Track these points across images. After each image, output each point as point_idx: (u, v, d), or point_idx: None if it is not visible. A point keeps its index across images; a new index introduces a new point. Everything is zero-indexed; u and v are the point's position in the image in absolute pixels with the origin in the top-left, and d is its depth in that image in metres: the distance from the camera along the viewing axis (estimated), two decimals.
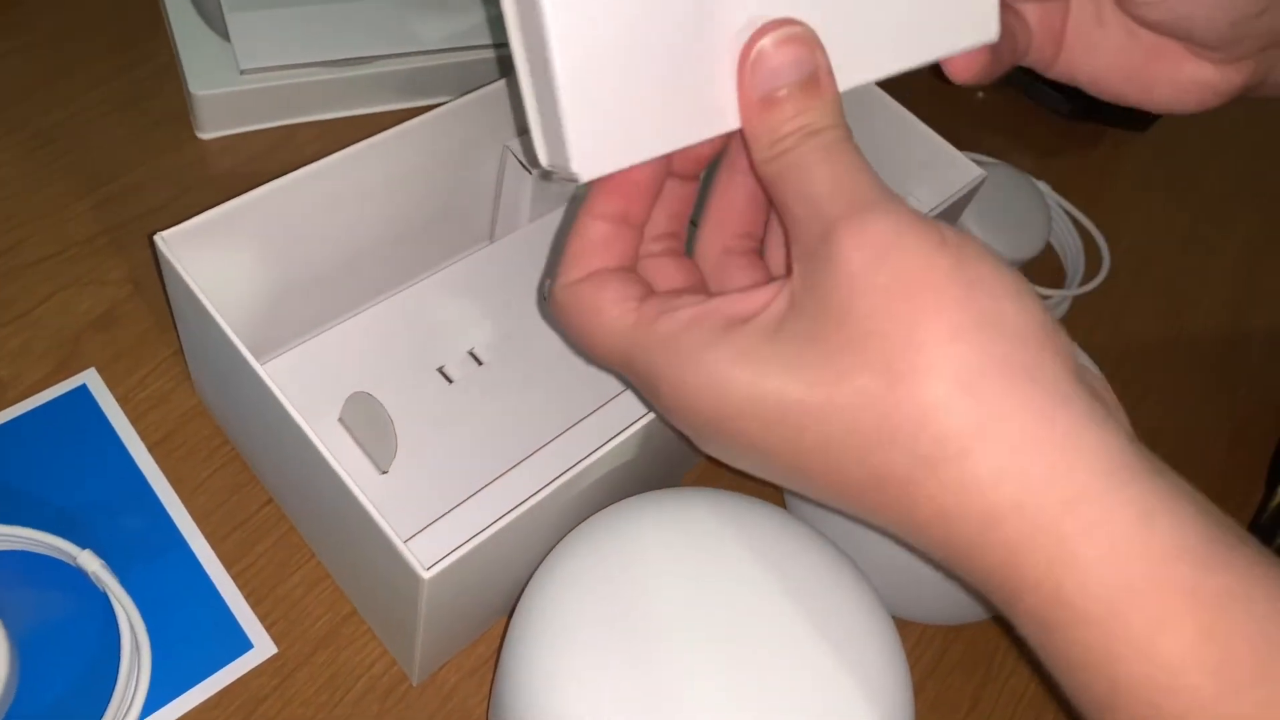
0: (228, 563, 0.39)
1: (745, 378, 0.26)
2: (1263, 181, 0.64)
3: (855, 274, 0.24)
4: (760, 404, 0.26)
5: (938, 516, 0.24)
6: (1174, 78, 0.34)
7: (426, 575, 0.30)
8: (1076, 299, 0.54)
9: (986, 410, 0.23)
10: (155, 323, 0.45)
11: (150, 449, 0.41)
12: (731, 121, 0.28)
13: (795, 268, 0.26)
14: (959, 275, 0.24)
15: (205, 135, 0.51)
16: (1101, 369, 0.43)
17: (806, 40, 0.27)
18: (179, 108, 0.51)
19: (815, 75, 0.27)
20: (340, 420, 0.40)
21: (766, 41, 0.27)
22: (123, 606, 0.37)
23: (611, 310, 0.29)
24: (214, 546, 0.40)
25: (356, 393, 0.39)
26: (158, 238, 0.35)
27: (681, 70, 0.27)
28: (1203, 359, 0.55)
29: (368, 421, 0.39)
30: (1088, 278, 0.54)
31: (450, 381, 0.42)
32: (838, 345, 0.24)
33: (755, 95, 0.27)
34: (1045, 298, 0.53)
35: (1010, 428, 0.23)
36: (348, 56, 0.51)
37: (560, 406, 0.42)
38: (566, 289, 0.30)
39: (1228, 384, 0.54)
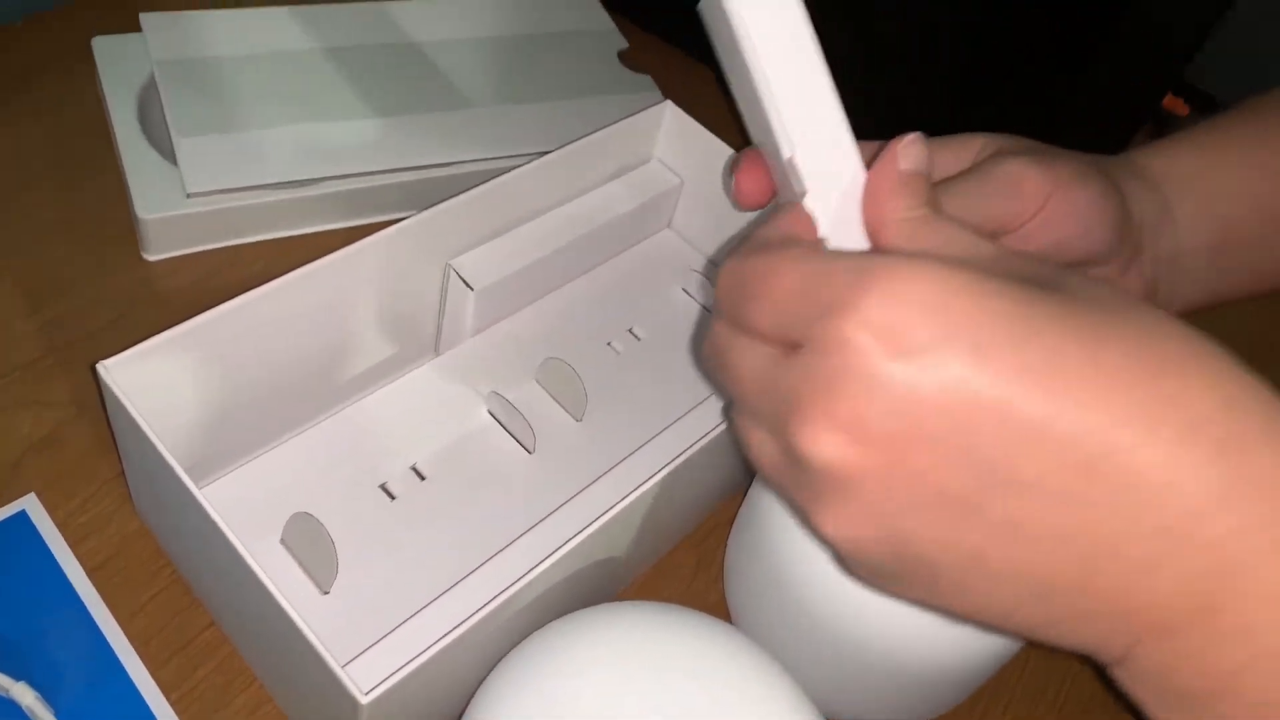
0: (167, 689, 0.39)
1: None
2: None
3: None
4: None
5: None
6: None
7: (365, 700, 0.30)
8: None
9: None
10: (97, 444, 0.45)
11: (90, 574, 0.41)
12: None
13: None
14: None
15: (152, 256, 0.52)
16: None
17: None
18: (126, 229, 0.52)
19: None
20: (282, 542, 0.40)
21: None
22: None
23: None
24: (153, 673, 0.39)
25: (298, 514, 0.39)
26: (99, 366, 0.35)
27: None
28: None
29: (309, 542, 0.39)
30: None
31: (393, 498, 0.43)
32: None
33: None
34: None
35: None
36: (292, 179, 0.52)
37: (502, 520, 0.43)
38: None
39: None
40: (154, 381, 0.37)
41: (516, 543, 0.42)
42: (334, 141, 0.53)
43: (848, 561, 0.28)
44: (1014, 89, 0.60)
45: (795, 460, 0.26)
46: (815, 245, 0.29)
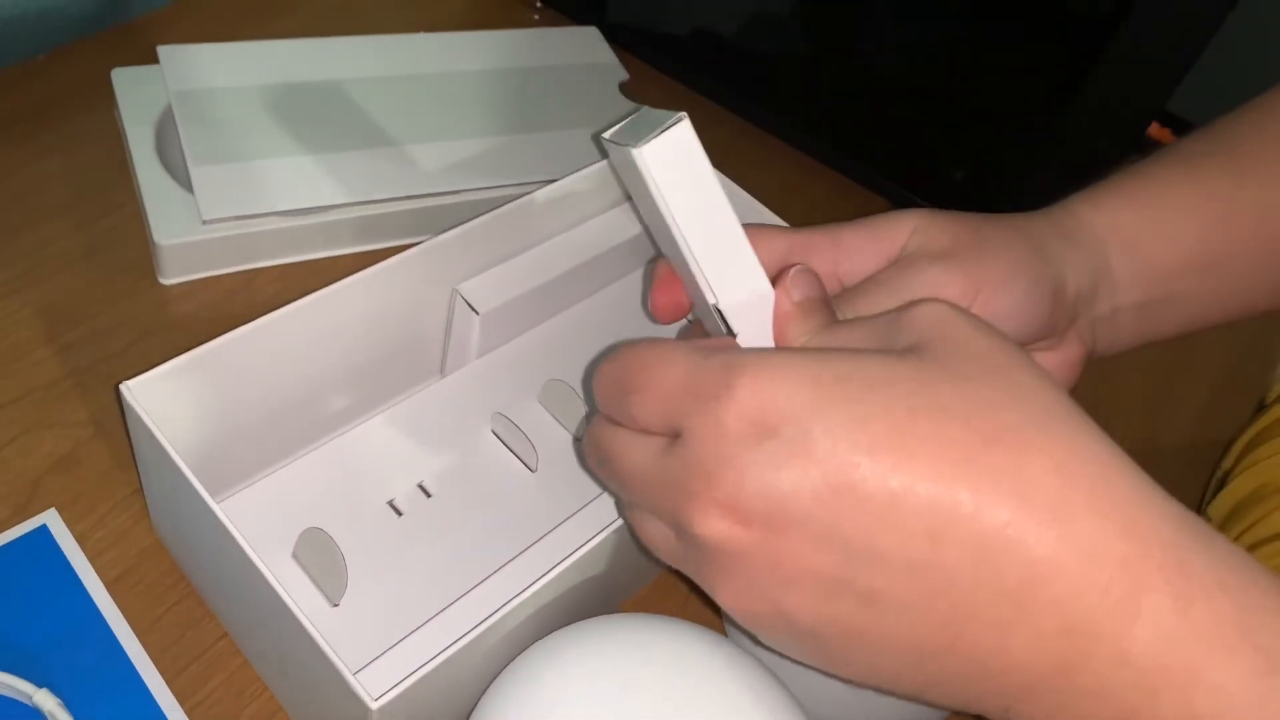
0: (182, 698, 0.40)
1: None
2: None
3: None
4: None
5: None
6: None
7: (375, 705, 0.31)
8: None
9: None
10: (115, 462, 0.46)
11: (108, 586, 0.43)
12: None
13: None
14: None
15: (168, 281, 0.53)
16: None
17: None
18: (143, 255, 0.54)
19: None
20: (294, 556, 0.42)
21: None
22: None
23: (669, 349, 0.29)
24: (169, 682, 0.41)
25: (309, 529, 0.41)
26: (123, 386, 0.37)
27: None
28: None
29: (320, 557, 0.40)
30: None
31: (400, 514, 0.44)
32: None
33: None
34: None
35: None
36: (305, 206, 0.53)
37: (505, 536, 0.44)
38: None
39: None
40: (173, 401, 0.38)
41: (519, 558, 0.43)
42: (345, 170, 0.55)
43: (750, 628, 0.30)
44: (1001, 118, 0.62)
45: (689, 542, 0.29)
46: (686, 343, 0.30)
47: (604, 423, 0.32)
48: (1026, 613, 0.25)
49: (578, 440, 0.48)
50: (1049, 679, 0.25)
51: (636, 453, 0.30)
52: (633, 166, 0.32)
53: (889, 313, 0.30)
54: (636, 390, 0.29)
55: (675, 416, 0.28)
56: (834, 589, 0.26)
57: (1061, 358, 0.39)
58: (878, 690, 0.30)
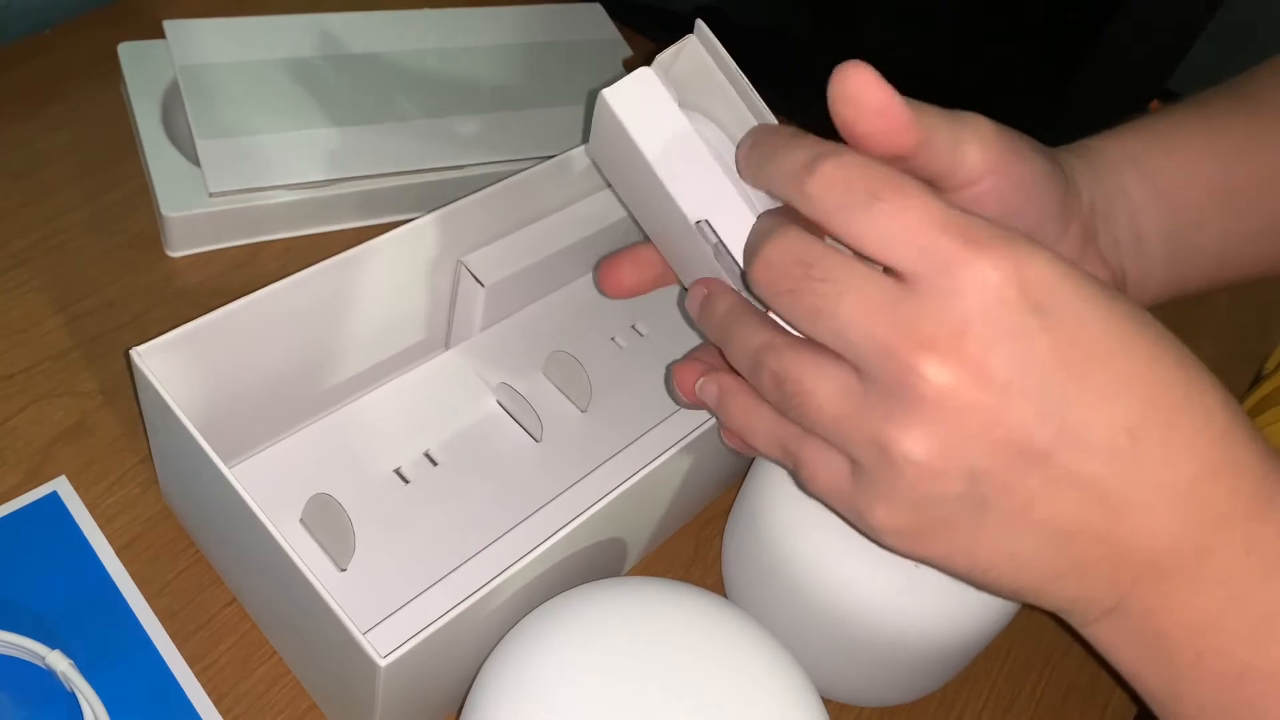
0: (191, 661, 0.41)
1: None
2: None
3: None
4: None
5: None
6: None
7: (383, 662, 0.32)
8: None
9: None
10: (124, 431, 0.47)
11: (118, 552, 0.43)
12: None
13: None
14: None
15: (175, 253, 0.54)
16: None
17: None
18: (150, 228, 0.54)
19: None
20: (301, 521, 0.42)
21: None
22: (90, 705, 0.38)
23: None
24: (179, 645, 0.41)
25: (317, 494, 0.41)
26: (133, 352, 0.37)
27: None
28: None
29: (328, 522, 0.41)
30: None
31: (406, 482, 0.45)
32: None
33: None
34: None
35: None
36: (310, 180, 0.54)
37: (510, 503, 0.45)
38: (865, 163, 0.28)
39: None
40: (181, 368, 0.39)
41: (523, 524, 0.44)
42: (350, 145, 0.55)
43: (908, 492, 0.28)
44: (1001, 98, 0.62)
45: (890, 385, 0.27)
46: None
47: (815, 238, 0.29)
48: (1185, 503, 0.28)
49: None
50: (1183, 561, 0.28)
51: (867, 279, 0.28)
52: (605, 113, 0.33)
53: None
54: (887, 203, 0.27)
55: (934, 252, 0.27)
56: (1033, 461, 0.27)
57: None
58: (986, 585, 0.31)
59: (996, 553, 0.29)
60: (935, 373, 0.27)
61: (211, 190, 0.52)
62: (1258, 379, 0.51)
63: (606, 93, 0.33)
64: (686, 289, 0.37)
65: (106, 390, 0.48)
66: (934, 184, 0.33)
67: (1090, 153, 0.39)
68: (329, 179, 0.54)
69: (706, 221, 0.33)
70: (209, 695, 0.40)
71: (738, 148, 0.34)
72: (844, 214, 0.28)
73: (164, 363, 0.38)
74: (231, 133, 0.54)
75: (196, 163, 0.53)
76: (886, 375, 0.27)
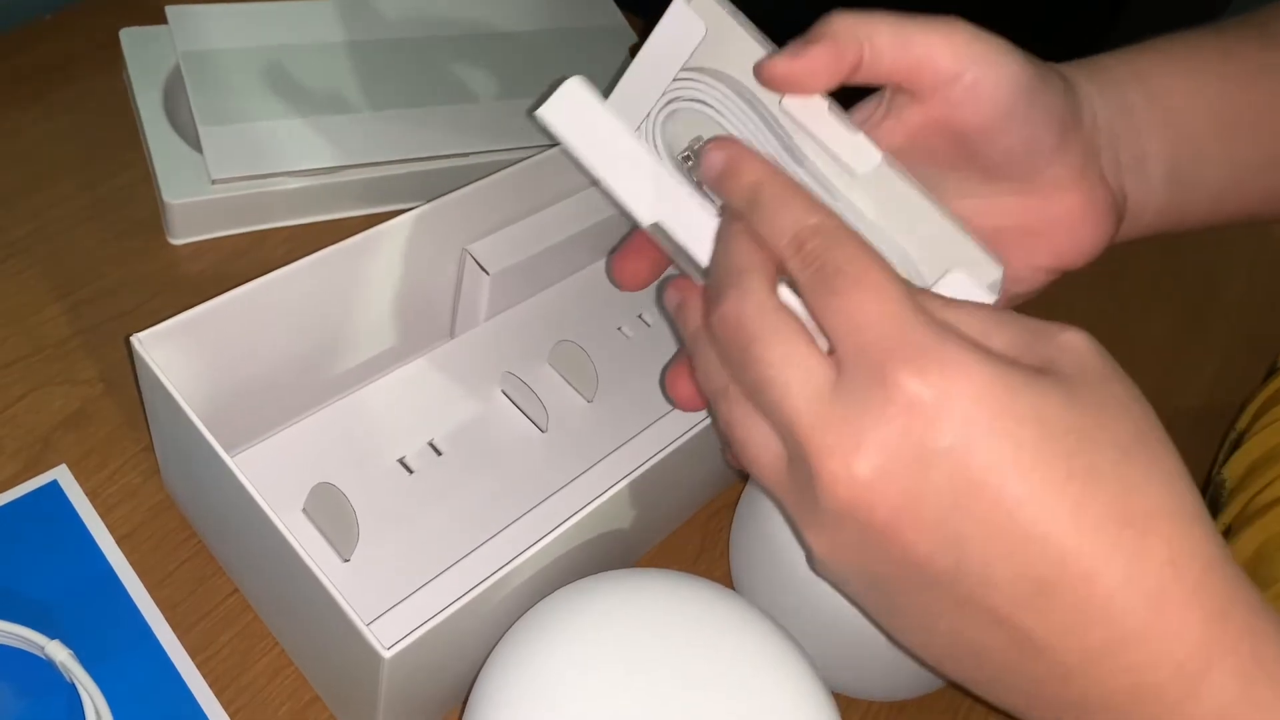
0: (193, 652, 0.41)
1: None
2: (1181, 268, 0.68)
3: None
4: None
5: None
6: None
7: (387, 654, 0.31)
8: None
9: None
10: (125, 420, 0.47)
11: (119, 542, 0.43)
12: None
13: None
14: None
15: (177, 241, 0.53)
16: None
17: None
18: (152, 215, 0.54)
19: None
20: (304, 511, 0.42)
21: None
22: (90, 696, 0.38)
23: (893, 281, 0.28)
24: (180, 636, 0.41)
25: (320, 484, 0.41)
26: (133, 339, 0.37)
27: None
28: None
29: (331, 512, 0.40)
30: None
31: (410, 472, 0.44)
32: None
33: None
34: None
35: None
36: (314, 167, 0.53)
37: (515, 494, 0.44)
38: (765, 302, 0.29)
39: None
40: (183, 355, 0.38)
41: (528, 515, 0.43)
42: (353, 132, 0.55)
43: (819, 566, 0.30)
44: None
45: (805, 476, 0.28)
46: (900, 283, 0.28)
47: (763, 293, 0.29)
48: (1099, 669, 0.26)
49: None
50: (1108, 714, 0.27)
51: (800, 369, 0.28)
52: (548, 129, 0.34)
53: (1030, 324, 0.29)
54: (840, 296, 0.28)
55: (867, 358, 0.27)
56: (934, 582, 0.27)
57: (1087, 199, 0.36)
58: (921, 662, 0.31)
59: (909, 641, 0.30)
60: (833, 484, 0.27)
61: (214, 177, 0.51)
62: (1272, 372, 0.50)
63: (540, 112, 0.34)
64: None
65: (107, 378, 0.48)
66: (909, 89, 0.33)
67: (1098, 69, 0.38)
68: (333, 166, 0.54)
69: (659, 224, 0.33)
70: (210, 686, 0.40)
71: (706, 160, 0.33)
72: (810, 290, 0.29)
73: (165, 350, 0.37)
74: (234, 119, 0.53)
75: (199, 149, 0.52)
76: (803, 468, 0.28)
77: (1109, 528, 0.26)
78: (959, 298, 0.30)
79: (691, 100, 0.34)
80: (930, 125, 0.34)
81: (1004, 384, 0.26)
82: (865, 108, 0.35)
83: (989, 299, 0.33)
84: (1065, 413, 0.26)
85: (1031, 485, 0.26)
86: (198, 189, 0.52)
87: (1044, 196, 0.35)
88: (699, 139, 0.34)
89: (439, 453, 0.45)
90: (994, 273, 0.33)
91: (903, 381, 0.26)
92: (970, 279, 0.33)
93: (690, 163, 0.35)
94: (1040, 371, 0.27)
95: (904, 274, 0.31)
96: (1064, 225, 0.36)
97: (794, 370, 0.28)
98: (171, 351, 0.38)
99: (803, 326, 0.29)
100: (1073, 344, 0.28)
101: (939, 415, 0.26)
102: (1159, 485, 0.27)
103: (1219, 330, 0.64)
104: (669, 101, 0.35)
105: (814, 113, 0.33)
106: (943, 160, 0.35)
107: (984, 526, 0.26)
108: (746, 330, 0.29)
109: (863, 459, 0.26)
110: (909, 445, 0.26)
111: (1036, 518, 0.26)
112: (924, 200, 0.33)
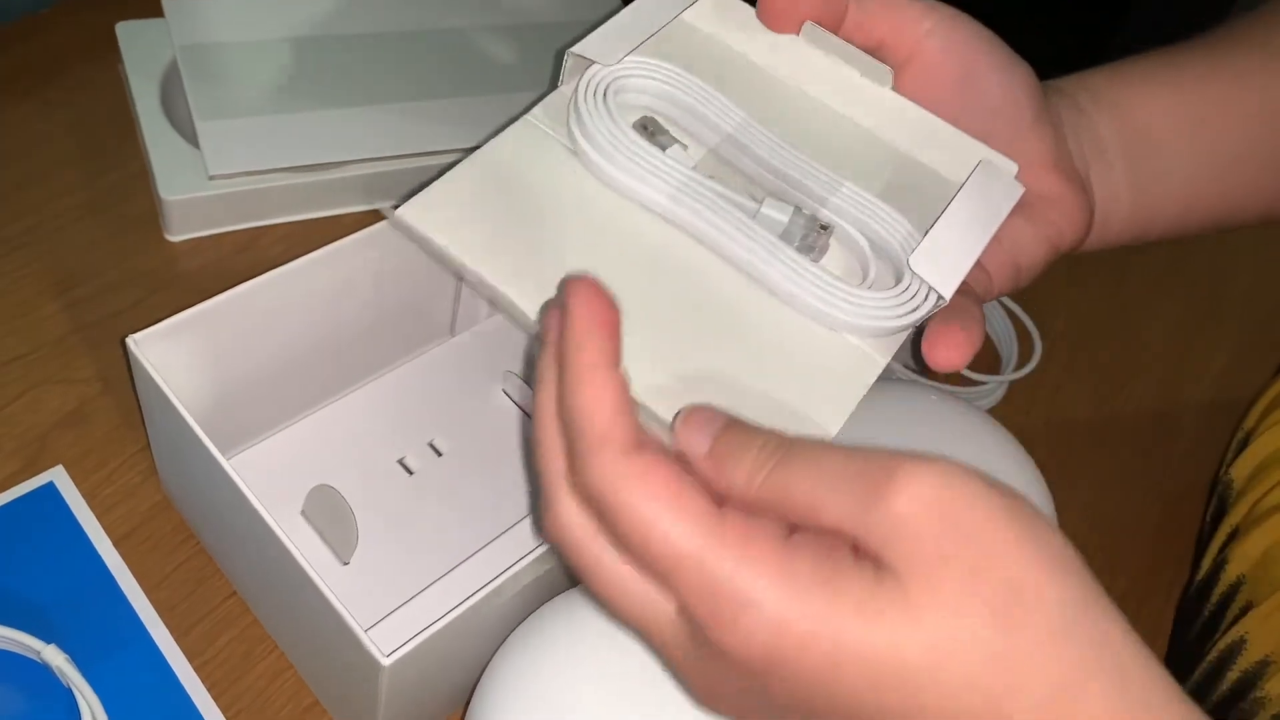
0: (191, 655, 0.40)
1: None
2: (1188, 265, 0.68)
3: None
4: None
5: None
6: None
7: (387, 662, 0.31)
8: (1012, 384, 0.56)
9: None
10: (123, 419, 0.46)
11: (116, 544, 0.42)
12: None
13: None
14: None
15: (174, 238, 0.53)
16: (1036, 450, 0.46)
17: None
18: (149, 211, 0.53)
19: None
20: (303, 513, 0.41)
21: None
22: (86, 701, 0.37)
23: (694, 499, 0.24)
24: (178, 639, 0.40)
25: (319, 486, 0.40)
26: (129, 340, 0.36)
27: None
28: (1134, 438, 0.57)
29: (330, 514, 0.40)
30: (1021, 363, 0.57)
31: (410, 473, 0.44)
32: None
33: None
34: (981, 384, 0.55)
35: None
36: (313, 162, 0.53)
37: (517, 494, 0.44)
38: (620, 458, 0.24)
39: (1158, 462, 0.56)
40: (180, 355, 0.38)
41: (530, 517, 0.43)
42: (353, 126, 0.54)
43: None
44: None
45: (694, 634, 0.25)
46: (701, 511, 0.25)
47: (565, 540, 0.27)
48: None
49: None
50: None
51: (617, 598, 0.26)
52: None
53: (848, 508, 0.24)
54: (634, 549, 0.25)
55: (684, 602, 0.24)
56: None
57: (1065, 179, 0.37)
58: None
59: None
60: (734, 647, 0.24)
61: (211, 173, 0.51)
62: None
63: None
64: None
65: (105, 377, 0.47)
66: (891, 47, 0.36)
67: (1050, 90, 0.39)
68: (333, 161, 0.53)
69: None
70: (209, 690, 0.39)
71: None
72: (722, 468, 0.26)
73: (162, 351, 0.37)
74: (232, 114, 0.52)
75: (196, 145, 0.52)
76: (694, 625, 0.25)
77: None
78: (992, 187, 0.34)
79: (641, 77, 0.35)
80: (926, 77, 0.36)
81: (824, 626, 0.23)
82: None
83: (1016, 189, 0.35)
84: (895, 650, 0.23)
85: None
86: (195, 185, 0.51)
87: (1030, 171, 0.36)
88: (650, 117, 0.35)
89: (439, 453, 0.45)
90: (1010, 167, 0.35)
91: (720, 636, 0.24)
92: (997, 169, 0.35)
93: (648, 130, 0.34)
94: (857, 605, 0.23)
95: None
96: (1051, 199, 0.36)
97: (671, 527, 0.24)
98: (167, 351, 0.37)
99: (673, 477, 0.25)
100: (900, 516, 0.23)
101: (765, 659, 0.23)
102: (1049, 655, 0.23)
103: (1227, 326, 0.63)
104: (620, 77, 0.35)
105: (831, 40, 0.36)
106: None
107: None
108: (572, 557, 0.26)
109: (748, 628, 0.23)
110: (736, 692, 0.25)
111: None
112: (933, 118, 0.36)
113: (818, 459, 0.24)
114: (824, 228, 0.33)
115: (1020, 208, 0.35)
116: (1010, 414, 0.55)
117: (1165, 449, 0.57)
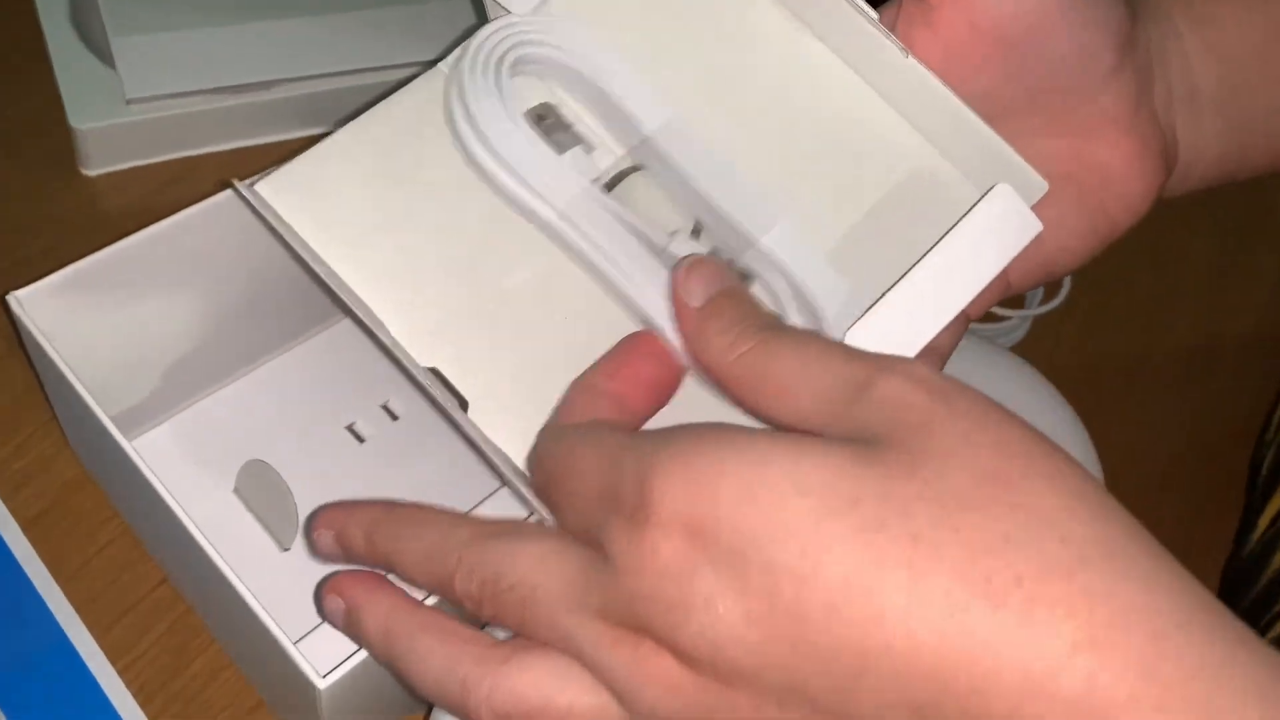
0: (114, 655, 0.36)
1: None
2: (1225, 192, 0.63)
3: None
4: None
5: None
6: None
7: (323, 685, 0.26)
8: (1037, 319, 0.53)
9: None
10: (34, 383, 0.41)
11: (25, 527, 0.38)
12: None
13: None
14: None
15: (92, 172, 0.48)
16: (1065, 389, 0.42)
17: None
18: (63, 143, 0.48)
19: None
20: (235, 492, 0.36)
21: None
22: None
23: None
24: (98, 637, 0.36)
25: (251, 461, 0.36)
26: (10, 297, 0.31)
27: None
28: (1171, 374, 0.53)
29: (265, 493, 0.35)
30: (1048, 298, 0.53)
31: (362, 440, 0.39)
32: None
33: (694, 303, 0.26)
34: (1005, 319, 0.51)
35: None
36: (246, 82, 0.48)
37: (482, 466, 0.39)
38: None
39: (1198, 399, 0.53)
40: (80, 313, 0.33)
41: (502, 490, 0.38)
42: (290, 40, 0.49)
43: None
44: None
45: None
46: (612, 435, 0.24)
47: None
48: None
49: None
50: None
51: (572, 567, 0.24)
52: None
53: (835, 387, 0.23)
54: (557, 503, 0.25)
55: (596, 535, 0.23)
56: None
57: (1141, 141, 0.33)
58: None
59: None
60: (642, 684, 0.23)
61: (129, 96, 0.46)
62: None
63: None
64: None
65: (11, 335, 0.42)
66: None
67: (1141, 7, 0.34)
68: (268, 80, 0.48)
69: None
70: (135, 696, 0.35)
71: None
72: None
73: (56, 308, 0.32)
74: (152, 28, 0.48)
75: (113, 65, 0.47)
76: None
77: (976, 611, 0.20)
78: (999, 225, 0.29)
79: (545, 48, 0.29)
80: (971, 32, 0.30)
81: (755, 467, 0.21)
82: (888, 12, 0.31)
83: (1032, 227, 0.30)
84: (855, 479, 0.21)
85: (838, 585, 0.20)
86: (112, 111, 0.46)
87: (1093, 137, 0.32)
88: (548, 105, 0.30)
89: (394, 417, 0.40)
90: (1039, 186, 0.30)
91: (638, 530, 0.22)
92: (1018, 194, 0.30)
93: (546, 121, 0.29)
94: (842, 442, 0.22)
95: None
96: (1114, 174, 0.33)
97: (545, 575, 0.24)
98: (60, 309, 0.32)
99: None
100: (886, 396, 0.22)
101: (693, 540, 0.21)
102: (1032, 528, 0.20)
103: (1268, 259, 0.59)
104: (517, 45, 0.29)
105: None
106: (986, 80, 0.31)
107: (807, 664, 0.21)
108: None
109: (650, 633, 0.22)
110: (682, 591, 0.21)
111: (860, 629, 0.20)
112: (956, 101, 0.30)
113: (803, 347, 0.24)
114: (744, 277, 0.28)
115: (1071, 186, 0.31)
116: (1035, 351, 0.51)
117: (1204, 383, 0.54)
